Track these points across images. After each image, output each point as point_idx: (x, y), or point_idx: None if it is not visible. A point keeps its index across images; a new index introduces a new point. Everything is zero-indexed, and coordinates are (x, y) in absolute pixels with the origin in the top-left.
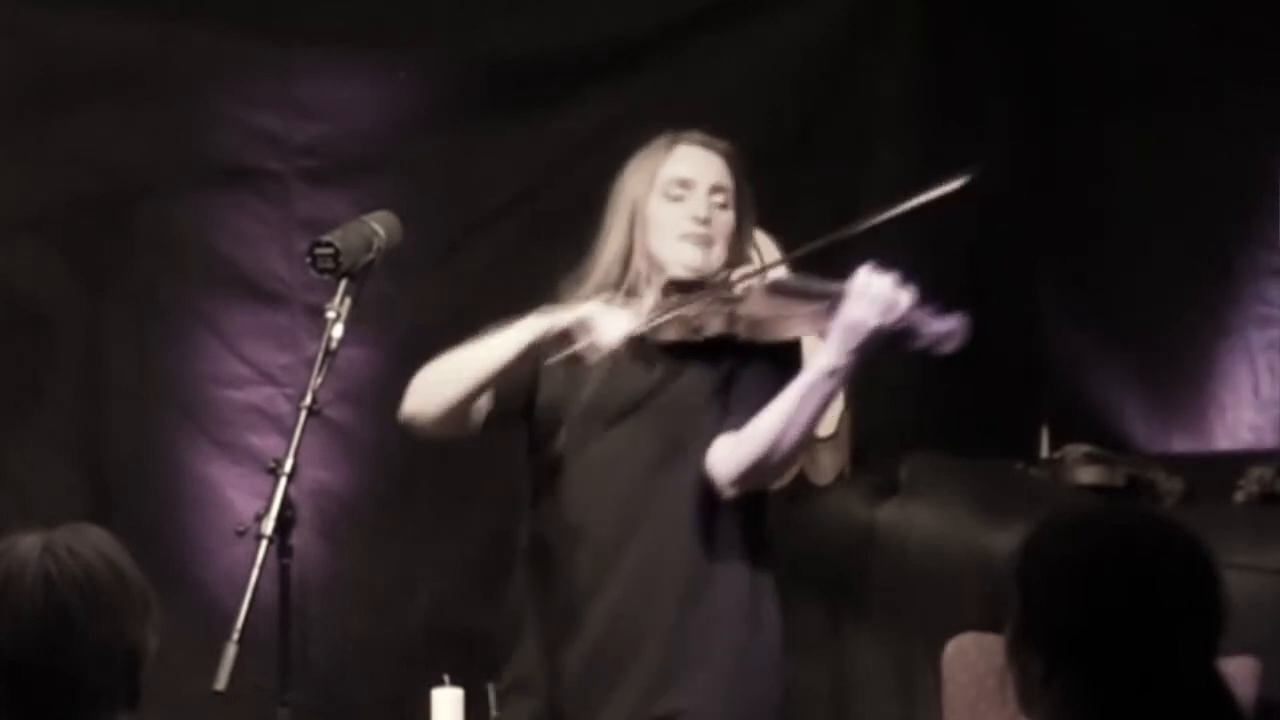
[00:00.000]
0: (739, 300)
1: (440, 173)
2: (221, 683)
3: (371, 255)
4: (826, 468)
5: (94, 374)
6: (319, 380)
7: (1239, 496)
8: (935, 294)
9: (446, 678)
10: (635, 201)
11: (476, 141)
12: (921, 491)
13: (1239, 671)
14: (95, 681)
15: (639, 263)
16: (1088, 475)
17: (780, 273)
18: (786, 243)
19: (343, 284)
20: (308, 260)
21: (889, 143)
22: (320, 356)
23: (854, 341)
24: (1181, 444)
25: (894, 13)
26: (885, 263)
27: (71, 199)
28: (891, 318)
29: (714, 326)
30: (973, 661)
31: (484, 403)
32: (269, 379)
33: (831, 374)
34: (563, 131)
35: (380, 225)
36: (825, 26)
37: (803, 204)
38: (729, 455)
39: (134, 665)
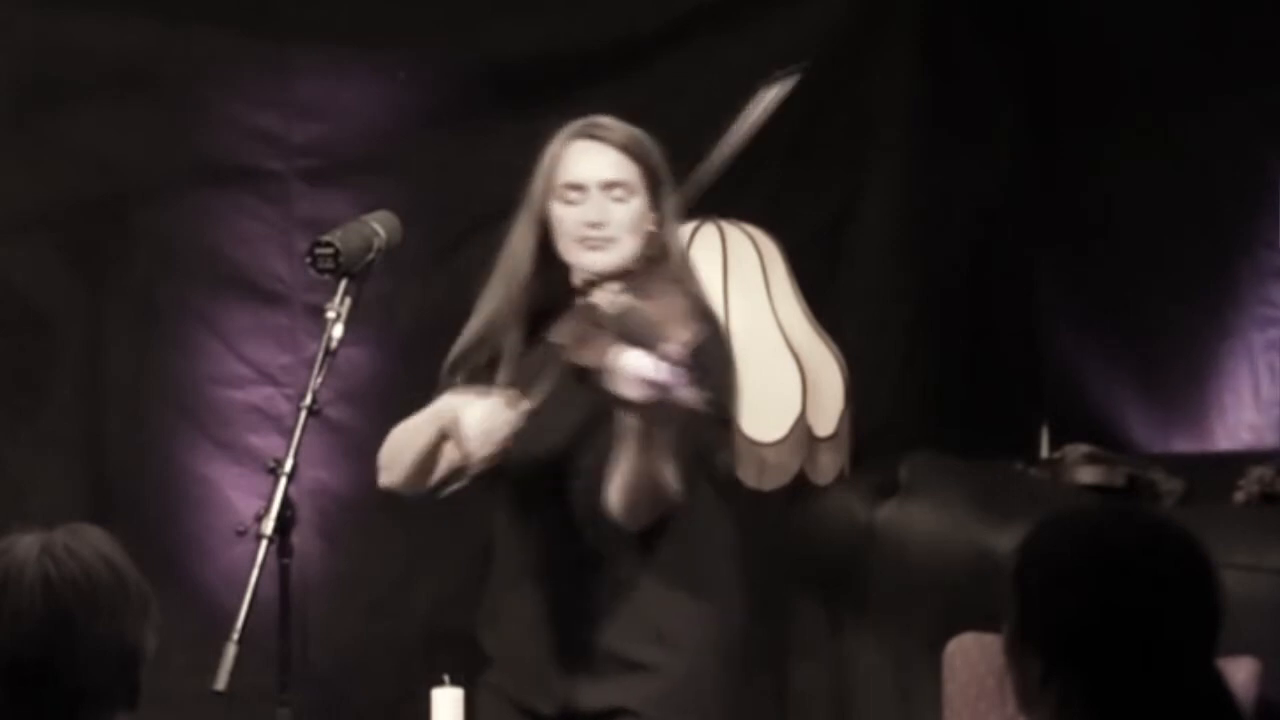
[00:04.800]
0: (596, 329)
1: (440, 173)
2: (221, 683)
3: (371, 255)
4: (826, 468)
5: (94, 374)
6: (319, 380)
7: (1239, 496)
8: (936, 295)
9: (446, 678)
10: (538, 202)
11: (476, 141)
12: (921, 491)
13: (1239, 671)
14: (94, 682)
15: (540, 263)
16: (1088, 475)
17: (625, 302)
18: (785, 244)
19: (343, 284)
20: (308, 260)
21: (889, 143)
22: (320, 356)
23: (637, 413)
24: (1181, 444)
25: (894, 14)
26: (885, 263)
27: (71, 199)
28: (648, 392)
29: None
30: (973, 661)
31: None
32: (269, 379)
33: (638, 436)
34: None
35: (380, 225)
36: (825, 28)
37: (801, 205)
38: (611, 493)
39: (133, 665)
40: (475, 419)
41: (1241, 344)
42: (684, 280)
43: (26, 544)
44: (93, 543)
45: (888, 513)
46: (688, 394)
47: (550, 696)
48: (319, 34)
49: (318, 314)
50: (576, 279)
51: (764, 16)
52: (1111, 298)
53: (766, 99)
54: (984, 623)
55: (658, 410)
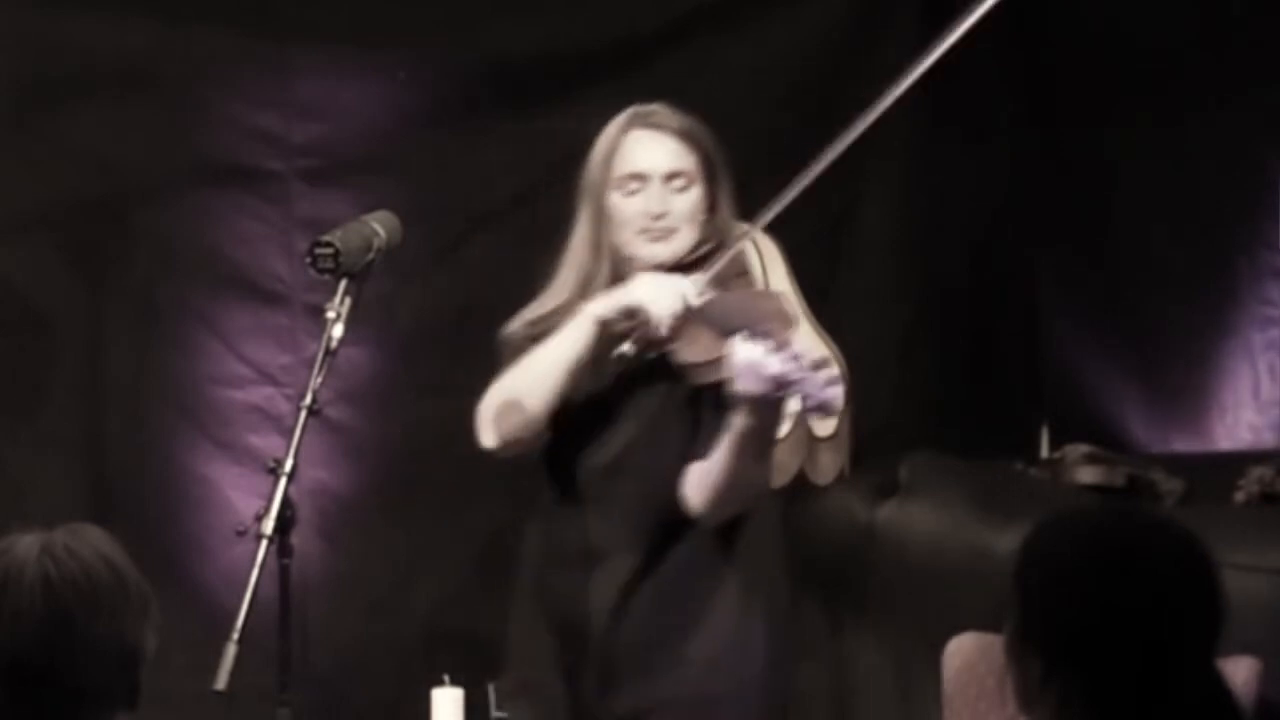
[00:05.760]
0: (680, 322)
1: (440, 173)
2: (221, 683)
3: (371, 255)
4: (826, 468)
5: (94, 374)
6: (319, 380)
7: (1239, 496)
8: (936, 295)
9: (446, 678)
10: (596, 192)
11: (476, 141)
12: (921, 491)
13: (1239, 671)
14: (94, 682)
15: (609, 253)
16: (1088, 475)
17: (710, 294)
18: (785, 244)
19: (343, 284)
20: (308, 260)
21: (888, 144)
22: (320, 356)
23: (751, 408)
24: (1181, 444)
25: (894, 14)
26: (885, 263)
27: (71, 199)
28: (772, 386)
29: (657, 348)
30: (973, 661)
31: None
32: (269, 379)
33: (750, 432)
34: (563, 131)
35: (380, 225)
36: (825, 27)
37: (801, 206)
38: (696, 488)
39: (133, 665)
40: (649, 291)
41: (1241, 344)
42: (749, 271)
43: (26, 544)
44: (93, 543)
45: (888, 513)
46: (813, 388)
47: (594, 692)
48: (319, 34)
49: (318, 314)
50: (631, 269)
51: (764, 16)
52: (1111, 298)
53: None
54: (984, 623)
55: (774, 406)
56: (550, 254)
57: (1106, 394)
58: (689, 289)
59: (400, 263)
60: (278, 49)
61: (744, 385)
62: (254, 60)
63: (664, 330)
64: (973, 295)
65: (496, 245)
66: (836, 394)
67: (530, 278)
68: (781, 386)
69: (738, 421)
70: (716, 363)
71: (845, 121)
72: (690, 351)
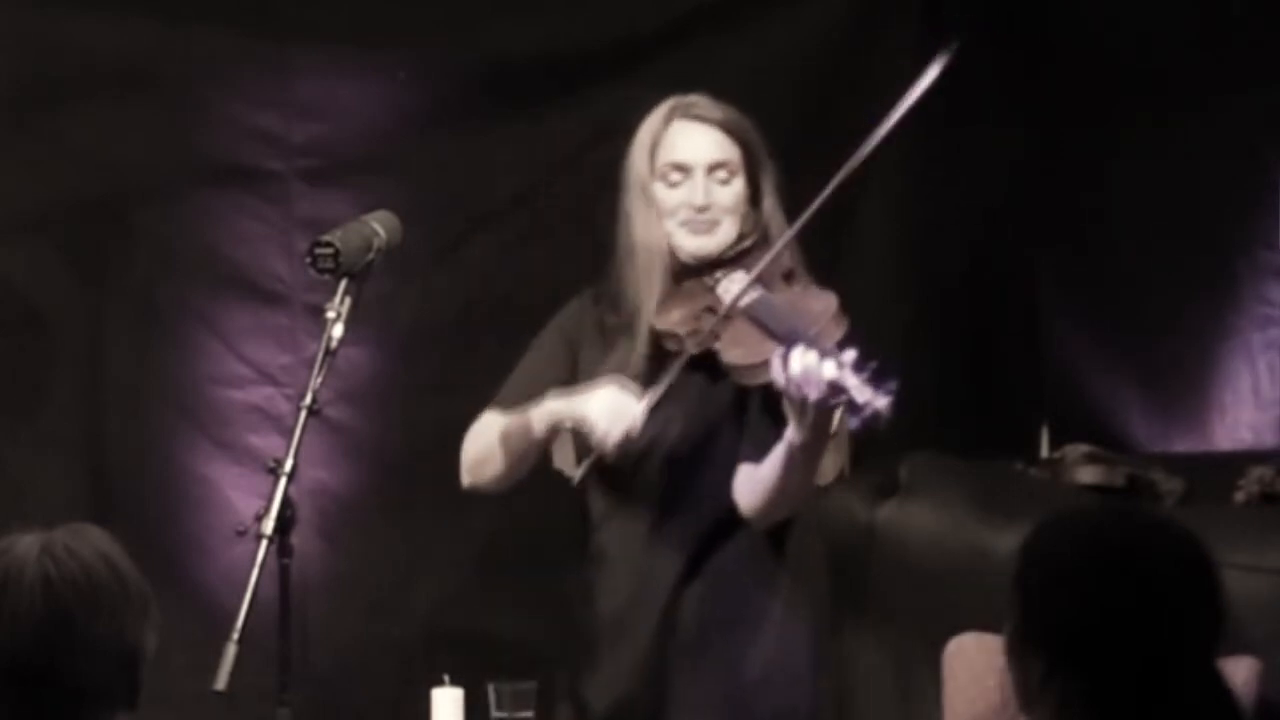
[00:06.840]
0: (725, 320)
1: (440, 173)
2: (221, 683)
3: (371, 255)
4: (826, 468)
5: (94, 374)
6: (319, 380)
7: (1239, 496)
8: (936, 295)
9: (446, 678)
10: (643, 183)
11: (476, 141)
12: (921, 491)
13: (1239, 671)
14: (94, 682)
15: (663, 241)
16: (1088, 475)
17: (756, 294)
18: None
19: (343, 284)
20: (308, 260)
21: (888, 145)
22: (320, 356)
23: (804, 420)
24: (1181, 444)
25: (893, 14)
26: (885, 263)
27: (71, 199)
28: (827, 393)
29: (701, 346)
30: (973, 661)
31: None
32: (269, 379)
33: (803, 446)
34: (563, 131)
35: (380, 225)
36: (825, 27)
37: (800, 206)
38: (748, 492)
39: (133, 665)
40: (600, 407)
41: (1241, 344)
42: (795, 270)
43: (26, 544)
44: (93, 543)
45: (888, 513)
46: (870, 396)
47: (640, 692)
48: (319, 34)
49: (318, 314)
50: (675, 261)
51: (764, 16)
52: (1111, 298)
53: (930, 75)
54: (984, 623)
55: (826, 413)
56: (549, 254)
57: (1106, 394)
58: (640, 414)
59: (400, 263)
60: (278, 49)
61: (797, 392)
62: (254, 60)
63: (607, 450)
64: (973, 295)
65: (496, 245)
66: (889, 401)
67: (530, 277)
68: (836, 393)
69: (790, 432)
70: (764, 365)
71: (845, 121)
72: (737, 353)
